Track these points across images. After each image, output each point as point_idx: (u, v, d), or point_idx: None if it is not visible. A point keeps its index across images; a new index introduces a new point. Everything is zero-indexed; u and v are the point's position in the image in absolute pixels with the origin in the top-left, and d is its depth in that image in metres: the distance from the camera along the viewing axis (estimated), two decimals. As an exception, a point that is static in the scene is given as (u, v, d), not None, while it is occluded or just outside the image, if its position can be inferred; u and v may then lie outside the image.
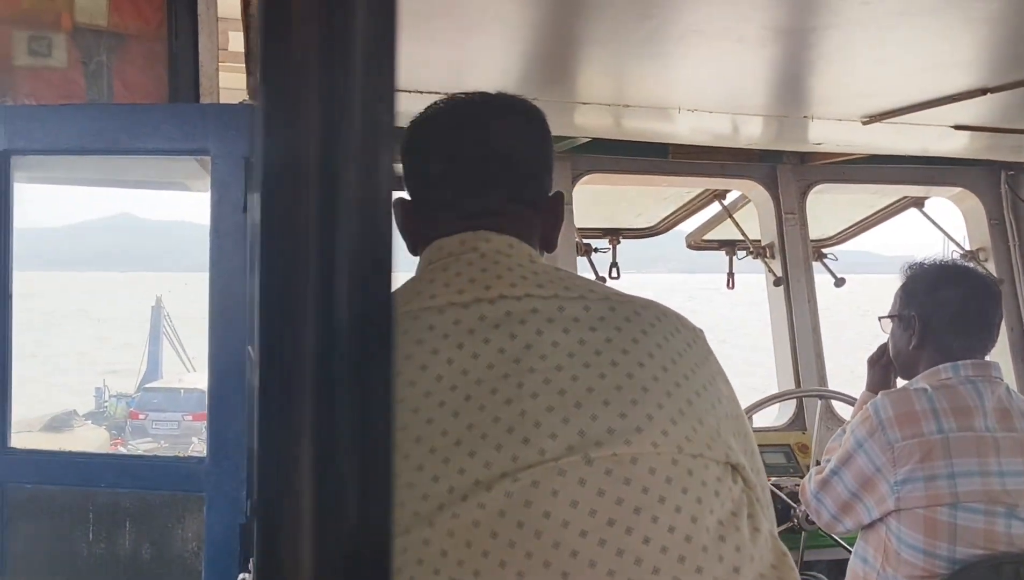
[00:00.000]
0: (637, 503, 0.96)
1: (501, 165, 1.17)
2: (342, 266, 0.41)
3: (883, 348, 2.41)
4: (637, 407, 1.00)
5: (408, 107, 1.28)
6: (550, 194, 1.24)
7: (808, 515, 2.38)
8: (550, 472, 0.96)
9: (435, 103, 1.24)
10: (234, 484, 1.94)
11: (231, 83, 2.36)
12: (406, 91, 2.10)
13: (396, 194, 1.28)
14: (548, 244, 1.24)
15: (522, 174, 1.19)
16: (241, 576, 1.88)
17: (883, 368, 2.41)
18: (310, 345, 0.39)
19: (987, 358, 2.19)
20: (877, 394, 2.18)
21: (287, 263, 0.40)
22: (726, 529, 1.00)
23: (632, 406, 1.00)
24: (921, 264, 2.25)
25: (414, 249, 1.22)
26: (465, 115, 1.21)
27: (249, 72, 2.08)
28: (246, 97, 2.15)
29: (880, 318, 2.33)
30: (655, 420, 1.00)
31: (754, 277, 3.78)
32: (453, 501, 0.96)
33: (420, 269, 1.17)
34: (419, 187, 1.22)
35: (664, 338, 1.07)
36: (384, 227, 0.44)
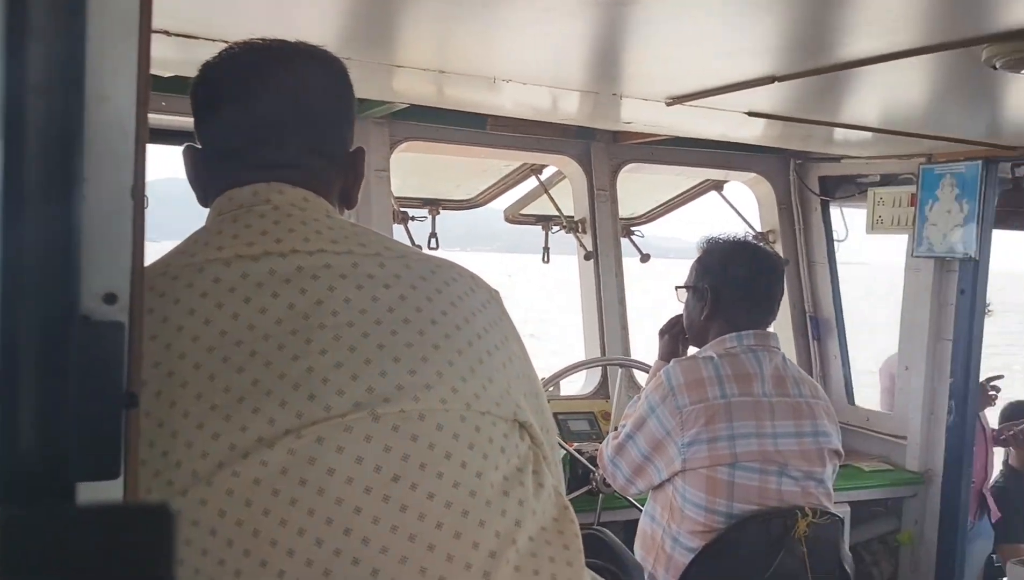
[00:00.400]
0: (423, 459, 0.96)
1: (298, 115, 1.13)
2: None
3: (673, 320, 2.57)
4: (427, 364, 1.00)
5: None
6: (351, 149, 1.22)
7: (605, 479, 2.51)
8: (336, 429, 0.94)
9: (230, 47, 1.19)
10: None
11: None
12: (211, 40, 1.99)
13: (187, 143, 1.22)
14: (348, 200, 1.21)
15: (320, 126, 1.16)
16: None
17: (673, 338, 2.57)
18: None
19: (768, 330, 2.38)
20: (669, 362, 2.33)
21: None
22: (510, 484, 1.02)
23: (422, 363, 1.00)
24: (717, 240, 2.42)
25: (204, 200, 1.17)
26: (261, 61, 1.16)
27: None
28: None
29: (676, 288, 2.48)
30: (445, 377, 1.00)
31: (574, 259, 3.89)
32: (233, 459, 0.92)
33: (209, 220, 1.12)
34: (210, 135, 1.16)
35: (459, 297, 1.08)
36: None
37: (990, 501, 4.02)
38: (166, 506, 0.33)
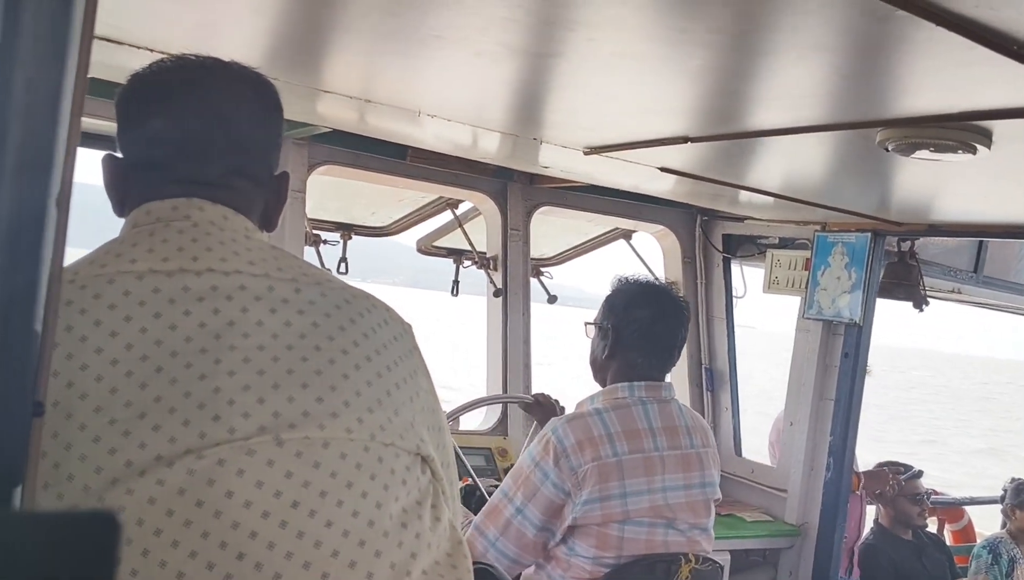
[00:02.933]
0: (324, 487, 0.96)
1: (225, 135, 1.14)
2: None
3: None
4: (335, 393, 1.01)
5: (139, 64, 1.21)
6: (276, 173, 1.22)
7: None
8: (238, 451, 0.94)
9: (162, 60, 1.18)
10: None
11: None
12: (136, 47, 1.96)
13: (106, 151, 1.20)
14: (268, 223, 1.21)
15: (247, 148, 1.16)
16: None
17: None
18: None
19: (666, 377, 2.42)
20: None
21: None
22: (409, 517, 1.03)
23: (331, 391, 1.01)
24: (626, 279, 2.45)
25: (120, 210, 1.15)
26: (193, 77, 1.16)
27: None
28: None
29: (586, 323, 2.50)
30: (352, 407, 1.01)
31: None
32: (129, 476, 0.91)
33: (123, 232, 1.10)
34: (133, 145, 1.15)
35: (372, 329, 1.10)
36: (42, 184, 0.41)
37: (856, 558, 4.21)
38: (112, 515, 0.34)
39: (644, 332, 2.34)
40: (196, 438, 0.93)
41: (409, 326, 1.18)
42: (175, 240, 1.05)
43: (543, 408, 2.96)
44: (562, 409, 3.01)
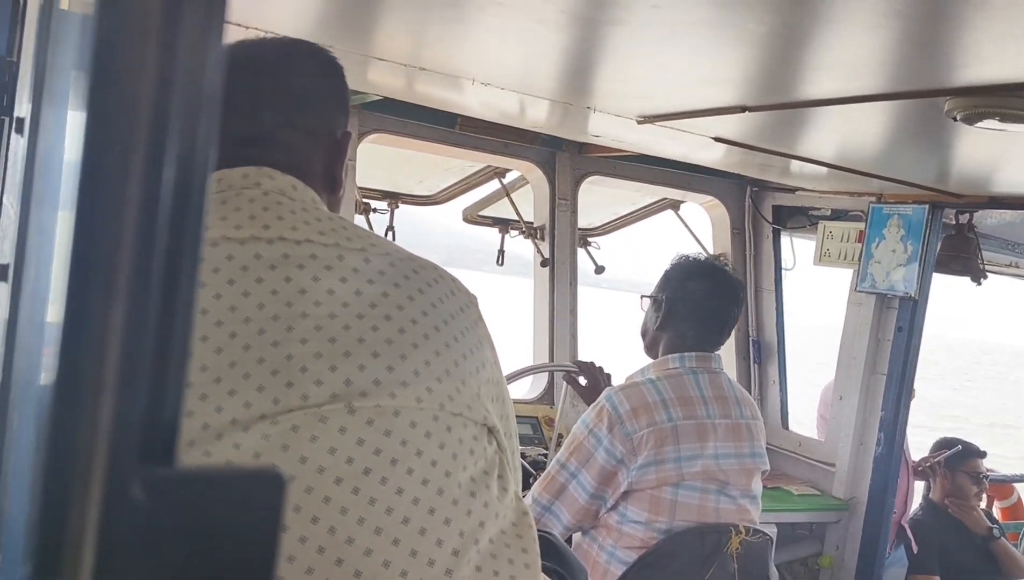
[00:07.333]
0: (394, 454, 0.97)
1: (272, 83, 1.14)
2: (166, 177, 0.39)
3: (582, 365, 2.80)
4: (405, 362, 1.01)
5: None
6: (339, 133, 1.22)
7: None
8: (311, 418, 0.95)
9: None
10: None
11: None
12: (192, 13, 1.97)
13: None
14: (332, 184, 1.21)
15: (298, 99, 1.15)
16: None
17: (592, 381, 2.72)
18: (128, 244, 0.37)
19: (713, 352, 2.42)
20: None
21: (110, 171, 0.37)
22: (477, 486, 1.04)
23: (401, 360, 1.01)
24: (687, 256, 2.48)
25: None
26: (247, 42, 1.18)
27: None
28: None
29: (642, 296, 2.52)
30: (421, 376, 1.02)
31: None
32: (207, 439, 0.92)
33: None
34: None
35: (439, 299, 1.10)
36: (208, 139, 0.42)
37: (909, 533, 4.15)
38: (279, 474, 0.35)
39: (697, 305, 2.37)
40: (270, 404, 0.94)
41: (474, 297, 1.18)
42: (247, 208, 1.06)
43: (588, 378, 2.86)
44: (607, 377, 2.95)
